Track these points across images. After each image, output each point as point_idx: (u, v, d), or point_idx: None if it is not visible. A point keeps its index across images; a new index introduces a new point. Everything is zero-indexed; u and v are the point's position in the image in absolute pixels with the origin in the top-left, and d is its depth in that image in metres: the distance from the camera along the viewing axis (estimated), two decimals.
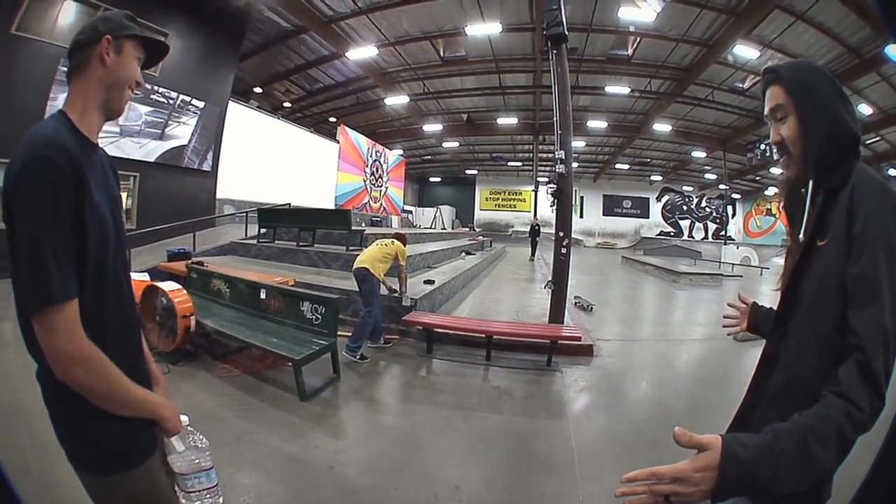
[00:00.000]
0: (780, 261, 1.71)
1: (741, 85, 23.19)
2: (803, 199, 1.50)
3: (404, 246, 7.67)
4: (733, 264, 27.75)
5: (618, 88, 24.22)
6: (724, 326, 2.17)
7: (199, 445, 1.68)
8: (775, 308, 1.62)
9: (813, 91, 1.41)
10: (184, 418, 1.68)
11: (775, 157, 1.53)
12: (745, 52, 18.81)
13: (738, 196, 48.51)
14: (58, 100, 11.48)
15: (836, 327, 1.26)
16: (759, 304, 2.06)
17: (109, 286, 1.53)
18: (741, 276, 23.38)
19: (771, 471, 1.07)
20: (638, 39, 20.19)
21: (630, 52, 21.40)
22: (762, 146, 27.71)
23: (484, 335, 7.20)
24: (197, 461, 1.66)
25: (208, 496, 1.69)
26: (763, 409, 1.50)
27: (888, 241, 1.21)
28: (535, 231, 27.55)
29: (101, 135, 1.64)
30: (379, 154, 34.37)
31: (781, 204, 1.71)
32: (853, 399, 1.12)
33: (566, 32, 8.94)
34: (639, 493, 1.11)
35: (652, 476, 1.10)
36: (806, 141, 1.40)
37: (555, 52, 9.03)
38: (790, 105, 1.43)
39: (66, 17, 12.23)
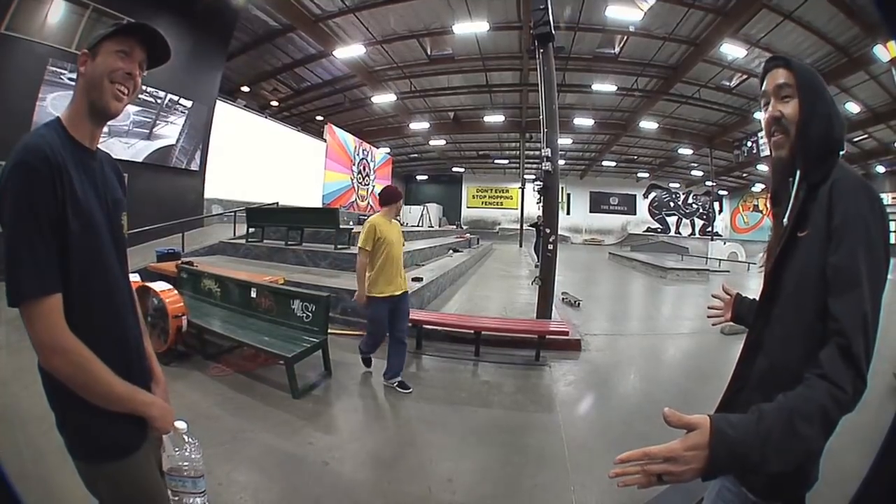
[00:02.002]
0: None
1: (728, 83, 23.40)
2: (789, 189, 1.56)
3: (386, 205, 5.91)
4: (720, 260, 27.88)
5: (605, 86, 24.48)
6: (709, 317, 2.23)
7: (192, 454, 1.71)
8: (759, 295, 1.69)
9: (817, 86, 1.48)
10: (182, 424, 1.71)
11: (769, 134, 1.58)
12: (732, 50, 18.99)
13: (724, 192, 48.90)
14: (46, 100, 11.50)
15: (817, 314, 1.32)
16: (744, 295, 2.11)
17: (98, 285, 1.59)
18: (728, 272, 23.47)
19: (759, 449, 1.12)
20: (625, 38, 20.30)
21: (617, 50, 21.54)
22: (749, 143, 27.93)
23: (472, 331, 7.26)
24: (185, 468, 1.70)
25: (192, 501, 1.73)
26: (748, 394, 1.55)
27: (866, 233, 1.28)
28: (539, 229, 21.92)
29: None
30: (366, 152, 34.24)
31: (768, 196, 1.77)
32: (836, 381, 1.17)
33: (553, 31, 9.00)
34: (632, 473, 1.15)
35: (645, 456, 1.14)
36: (803, 124, 1.46)
37: (541, 50, 9.09)
38: (796, 87, 1.49)
39: (56, 16, 12.13)
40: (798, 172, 1.52)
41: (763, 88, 1.60)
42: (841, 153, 1.47)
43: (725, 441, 1.12)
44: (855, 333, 1.21)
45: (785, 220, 1.55)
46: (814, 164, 1.46)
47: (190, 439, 1.73)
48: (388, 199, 5.93)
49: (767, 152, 1.66)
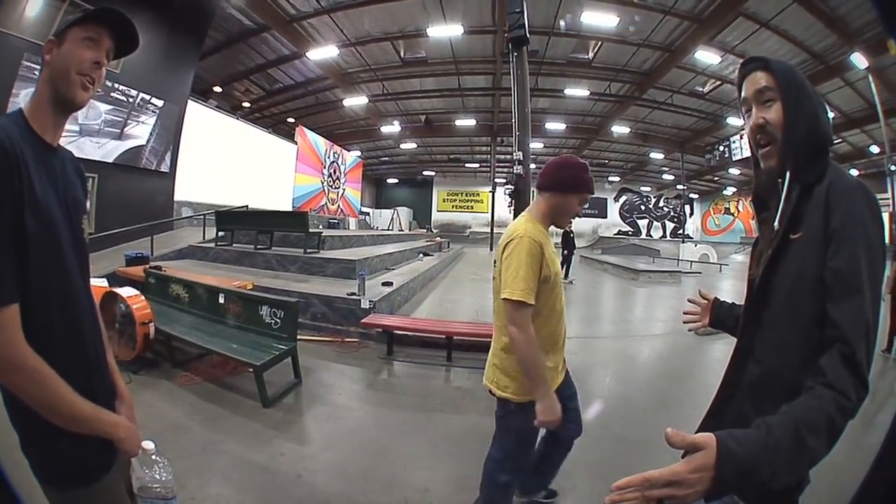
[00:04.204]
0: (740, 258, 1.73)
1: (701, 89, 23.76)
2: (778, 192, 1.50)
3: (571, 192, 2.82)
4: (691, 262, 28.22)
5: (577, 91, 24.66)
6: (685, 322, 2.18)
7: (161, 476, 1.64)
8: (744, 299, 1.65)
9: (798, 84, 1.44)
10: (149, 444, 1.64)
11: (754, 143, 1.53)
12: (706, 57, 19.38)
13: (695, 196, 49.80)
14: (19, 96, 11.25)
15: (813, 319, 1.29)
16: (721, 299, 2.08)
17: (57, 293, 1.48)
18: (700, 273, 23.81)
19: (768, 465, 1.07)
20: (599, 43, 20.51)
21: (591, 55, 21.75)
22: (720, 147, 28.36)
23: (444, 336, 7.24)
24: (157, 489, 1.63)
25: None
26: (738, 402, 1.52)
27: (867, 237, 1.26)
28: (569, 240, 18.16)
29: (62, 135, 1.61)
30: (337, 155, 34.36)
31: (750, 199, 1.72)
32: (841, 389, 1.14)
33: (528, 35, 9.01)
34: (630, 500, 1.07)
35: (645, 481, 1.07)
36: (789, 128, 1.42)
37: (515, 54, 9.12)
38: (777, 91, 1.44)
39: (34, 8, 11.87)
40: (787, 174, 1.47)
41: (742, 95, 1.55)
42: (829, 148, 1.45)
43: (733, 460, 1.06)
44: (857, 340, 1.18)
45: (776, 223, 1.49)
46: (805, 165, 1.42)
47: (159, 459, 1.66)
48: (569, 182, 2.82)
49: (749, 157, 1.62)
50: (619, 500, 1.08)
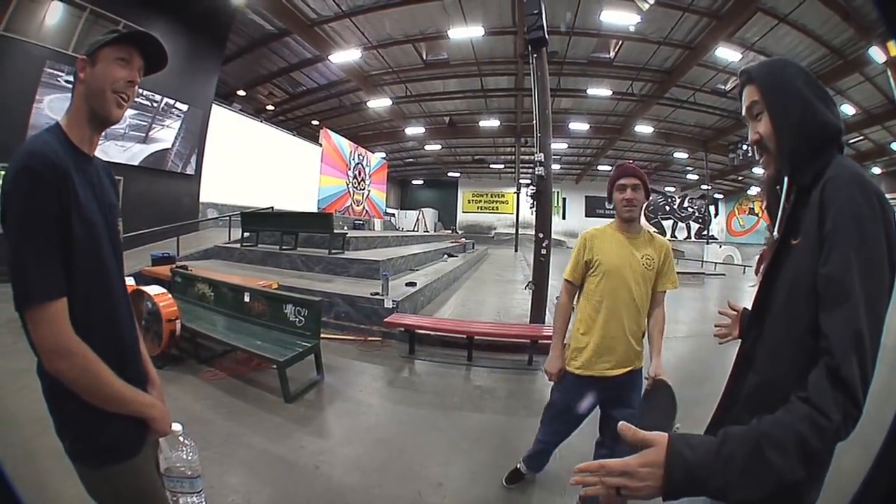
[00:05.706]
0: None
1: (723, 87, 23.43)
2: (779, 198, 1.46)
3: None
4: (716, 263, 27.90)
5: (599, 91, 24.46)
6: (716, 336, 2.12)
7: (188, 456, 1.73)
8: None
9: (784, 87, 1.39)
10: (177, 426, 1.74)
11: (756, 156, 1.46)
12: (727, 54, 19.09)
13: (720, 196, 49.07)
14: (43, 102, 11.51)
15: (809, 329, 1.21)
16: (750, 309, 2.01)
17: (98, 289, 1.61)
18: (724, 275, 23.52)
19: (719, 474, 1.05)
20: (620, 42, 20.37)
21: (612, 54, 21.58)
22: (744, 146, 27.98)
23: (465, 336, 7.27)
24: (182, 468, 1.72)
25: (190, 500, 1.75)
26: (737, 412, 1.46)
27: (861, 237, 1.15)
28: None
29: None
30: (361, 157, 34.43)
31: (763, 204, 1.67)
32: (819, 406, 1.06)
33: (547, 36, 9.03)
34: (591, 484, 1.10)
35: (601, 468, 1.09)
36: (778, 136, 1.38)
37: (535, 55, 9.12)
38: (763, 102, 1.41)
39: (53, 17, 12.16)
40: (786, 180, 1.43)
41: (742, 114, 1.52)
42: (841, 140, 1.37)
43: (682, 462, 1.06)
44: (845, 353, 1.08)
45: (775, 230, 1.47)
46: (801, 166, 1.35)
47: (186, 441, 1.75)
48: (608, 188, 3.27)
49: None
50: (582, 482, 1.11)
